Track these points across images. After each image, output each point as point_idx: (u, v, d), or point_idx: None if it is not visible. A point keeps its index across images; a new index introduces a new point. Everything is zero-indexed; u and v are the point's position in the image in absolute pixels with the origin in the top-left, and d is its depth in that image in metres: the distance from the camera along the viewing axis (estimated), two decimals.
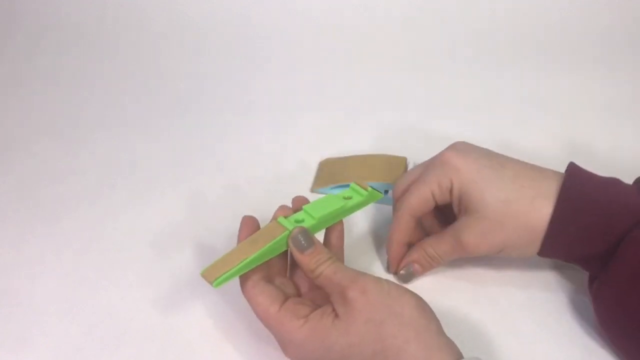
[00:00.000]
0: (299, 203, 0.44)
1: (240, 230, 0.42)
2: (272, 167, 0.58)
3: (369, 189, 0.45)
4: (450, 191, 0.43)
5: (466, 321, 0.44)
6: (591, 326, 0.43)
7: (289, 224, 0.41)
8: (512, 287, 0.47)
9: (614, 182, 0.42)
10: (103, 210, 0.54)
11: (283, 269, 0.43)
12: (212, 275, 0.39)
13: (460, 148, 0.44)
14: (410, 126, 0.65)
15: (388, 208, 0.52)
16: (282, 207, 0.43)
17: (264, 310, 0.38)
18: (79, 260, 0.50)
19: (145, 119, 0.65)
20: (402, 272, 0.46)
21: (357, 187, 0.46)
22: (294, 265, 0.43)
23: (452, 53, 0.74)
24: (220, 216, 0.53)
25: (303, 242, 0.40)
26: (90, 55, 0.74)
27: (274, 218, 0.43)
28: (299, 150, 0.60)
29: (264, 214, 0.45)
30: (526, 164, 0.44)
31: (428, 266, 0.46)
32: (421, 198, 0.44)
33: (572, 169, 0.42)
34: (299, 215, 0.42)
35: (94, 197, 0.56)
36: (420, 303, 0.37)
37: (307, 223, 0.41)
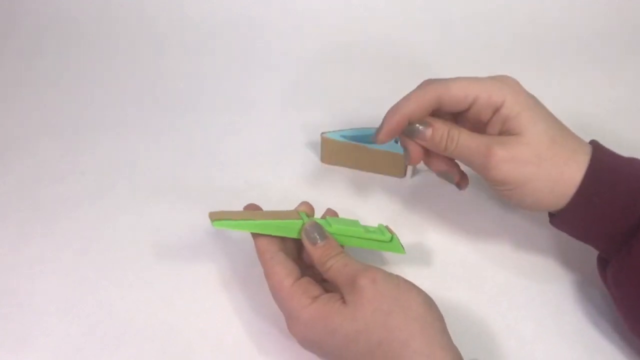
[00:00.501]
0: (329, 213, 0.45)
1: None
2: (272, 167, 0.58)
3: (394, 236, 0.44)
4: (496, 109, 0.42)
5: (466, 321, 0.44)
6: (596, 323, 0.44)
7: (306, 218, 0.42)
8: (512, 288, 0.47)
9: (637, 160, 0.42)
10: (103, 210, 0.54)
11: (297, 258, 0.44)
12: (216, 216, 0.41)
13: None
14: None
15: (396, 204, 0.53)
16: (305, 202, 0.44)
17: (279, 281, 0.39)
18: (79, 260, 0.50)
19: (145, 119, 0.65)
20: (417, 124, 0.43)
21: (384, 229, 0.45)
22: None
23: (452, 53, 0.74)
24: None
25: (316, 234, 0.40)
26: (90, 55, 0.74)
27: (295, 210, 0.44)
28: (298, 150, 0.60)
29: None
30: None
31: (437, 142, 0.43)
32: (461, 89, 0.42)
33: (596, 144, 0.43)
34: (319, 219, 0.43)
35: (94, 197, 0.56)
36: (428, 300, 0.37)
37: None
